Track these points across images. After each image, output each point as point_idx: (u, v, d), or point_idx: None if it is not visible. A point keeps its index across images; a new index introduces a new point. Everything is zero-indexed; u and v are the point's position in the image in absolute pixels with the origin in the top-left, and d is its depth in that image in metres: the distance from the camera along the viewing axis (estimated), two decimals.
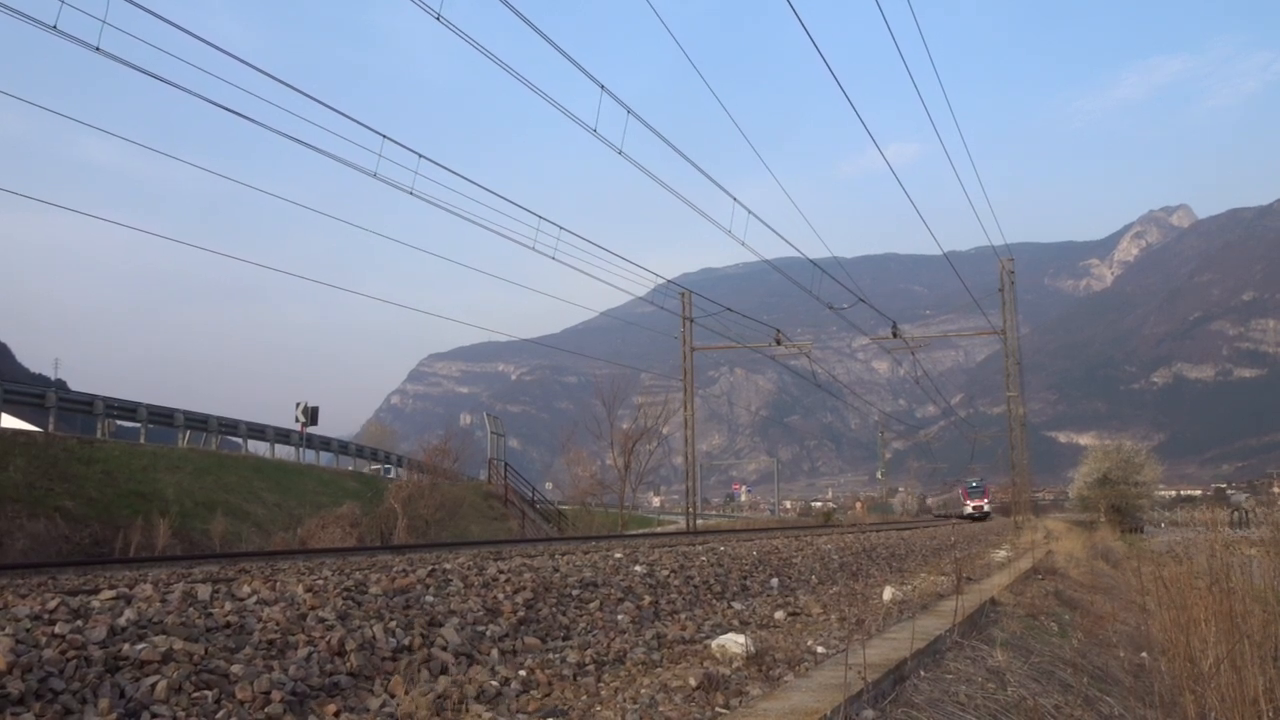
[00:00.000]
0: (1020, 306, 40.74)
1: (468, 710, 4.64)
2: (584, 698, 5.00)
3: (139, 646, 4.42)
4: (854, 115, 16.76)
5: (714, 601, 9.12)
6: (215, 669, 4.42)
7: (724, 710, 4.69)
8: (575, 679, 5.43)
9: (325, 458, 34.85)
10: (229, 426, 29.68)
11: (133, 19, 10.12)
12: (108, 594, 5.50)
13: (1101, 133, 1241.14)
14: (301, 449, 32.63)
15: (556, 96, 13.75)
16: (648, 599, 8.22)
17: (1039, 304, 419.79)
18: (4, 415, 22.53)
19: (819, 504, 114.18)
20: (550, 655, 5.97)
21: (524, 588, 7.26)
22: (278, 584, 6.33)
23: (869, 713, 4.77)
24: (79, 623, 4.64)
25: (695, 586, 9.40)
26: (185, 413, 27.61)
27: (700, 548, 13.53)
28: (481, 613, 6.43)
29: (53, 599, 5.16)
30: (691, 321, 37.16)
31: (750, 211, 18.89)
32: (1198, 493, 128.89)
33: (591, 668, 5.71)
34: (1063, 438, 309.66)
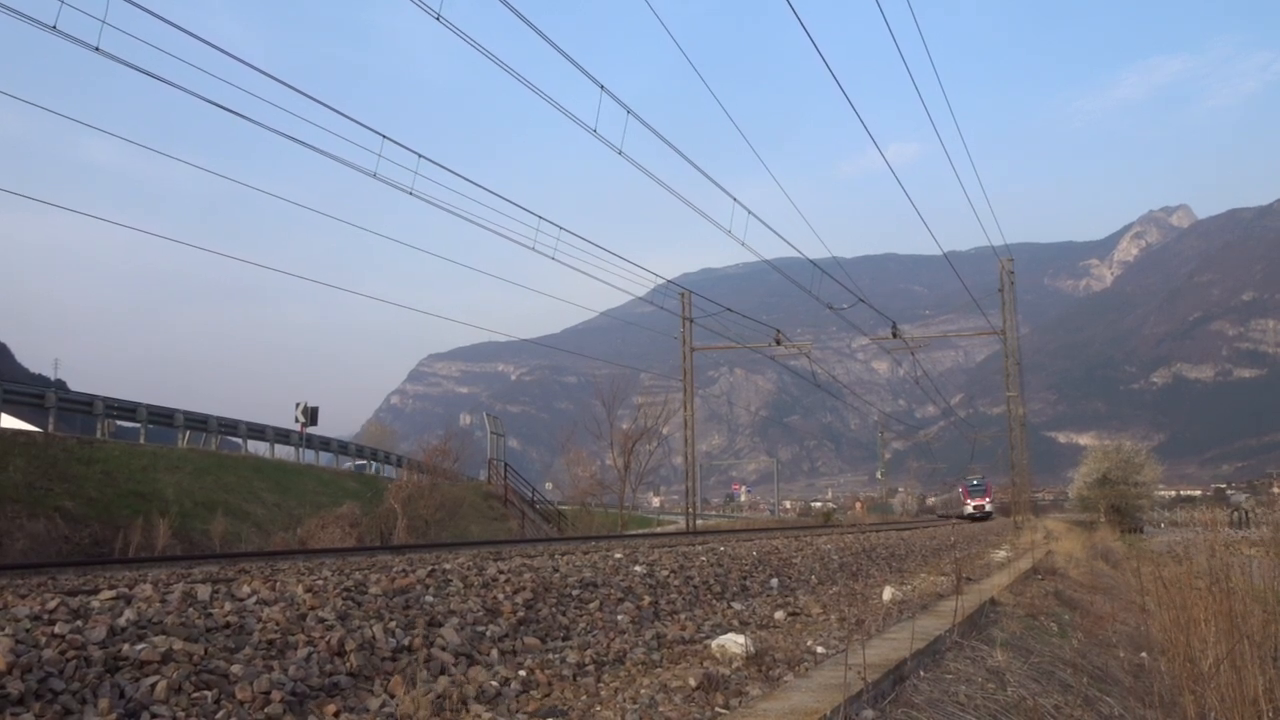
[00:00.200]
0: (1020, 306, 40.76)
1: (468, 710, 4.64)
2: (584, 698, 5.00)
3: (139, 647, 4.42)
4: (854, 115, 16.77)
5: (714, 602, 9.12)
6: (215, 669, 4.42)
7: (724, 710, 4.69)
8: (575, 679, 5.43)
9: (325, 458, 34.85)
10: (229, 427, 29.69)
11: (132, 19, 10.13)
12: (107, 594, 5.50)
13: (1101, 133, 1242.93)
14: (301, 449, 32.65)
15: (556, 96, 13.76)
16: (647, 599, 8.22)
17: (1039, 304, 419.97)
18: (4, 415, 22.53)
19: (819, 504, 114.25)
20: (550, 655, 5.97)
21: (524, 588, 7.26)
22: (277, 584, 6.32)
23: (869, 713, 4.77)
24: (79, 623, 4.64)
25: (695, 587, 9.40)
26: (185, 413, 27.62)
27: (700, 548, 13.52)
28: (481, 613, 6.43)
29: (52, 599, 5.16)
30: (691, 322, 37.16)
31: (750, 211, 18.89)
32: (1197, 493, 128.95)
33: (591, 668, 5.71)
34: (1062, 438, 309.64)
